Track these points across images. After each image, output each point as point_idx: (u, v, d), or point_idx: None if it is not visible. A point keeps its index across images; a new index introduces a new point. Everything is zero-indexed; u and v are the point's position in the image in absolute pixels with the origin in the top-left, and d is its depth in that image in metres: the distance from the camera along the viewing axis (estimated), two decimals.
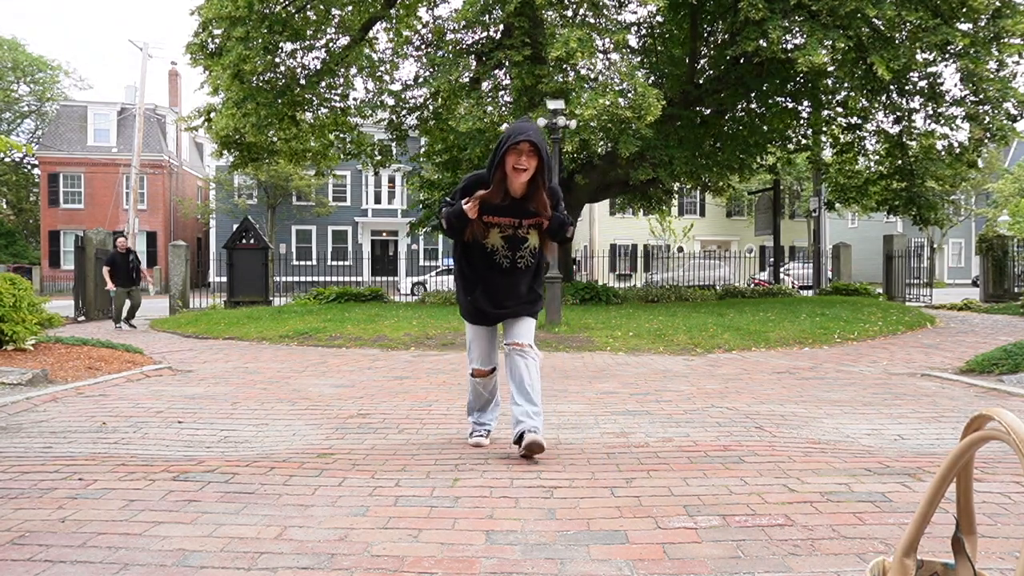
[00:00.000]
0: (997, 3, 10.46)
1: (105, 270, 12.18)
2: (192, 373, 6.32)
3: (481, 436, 3.48)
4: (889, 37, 11.08)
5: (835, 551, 2.06)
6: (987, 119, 11.46)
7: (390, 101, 14.21)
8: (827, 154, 16.31)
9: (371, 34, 14.33)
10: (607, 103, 10.07)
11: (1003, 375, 5.52)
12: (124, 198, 32.40)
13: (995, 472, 2.85)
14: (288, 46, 13.15)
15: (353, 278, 21.97)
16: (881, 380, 5.73)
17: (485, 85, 12.78)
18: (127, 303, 12.17)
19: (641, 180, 13.12)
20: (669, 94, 12.99)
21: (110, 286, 12.16)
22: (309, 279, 25.20)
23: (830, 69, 12.32)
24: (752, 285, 17.35)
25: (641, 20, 15.65)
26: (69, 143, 33.42)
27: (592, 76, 12.11)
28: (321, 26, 13.44)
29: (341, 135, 15.27)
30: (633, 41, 15.01)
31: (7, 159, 37.41)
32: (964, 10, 10.76)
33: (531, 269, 3.30)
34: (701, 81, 13.92)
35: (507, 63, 11.44)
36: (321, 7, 13.22)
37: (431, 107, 13.97)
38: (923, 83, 12.78)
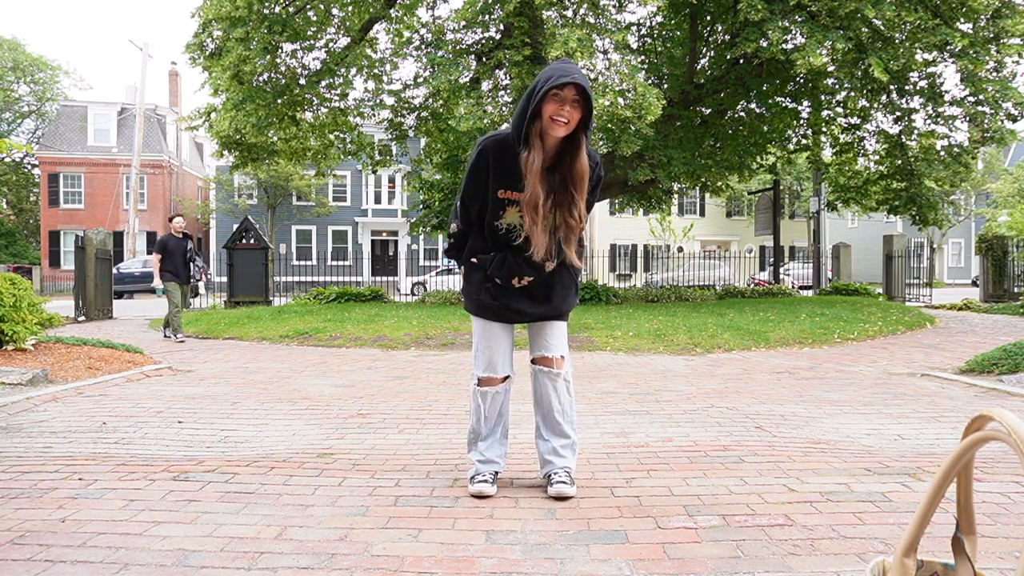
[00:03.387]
0: (997, 3, 10.45)
1: (156, 258, 9.42)
2: (192, 373, 6.32)
3: (485, 481, 2.59)
4: (888, 37, 11.08)
5: (835, 551, 2.06)
6: (986, 120, 11.46)
7: (390, 101, 14.21)
8: (827, 154, 16.32)
9: (371, 34, 14.33)
10: (607, 103, 10.07)
11: (1003, 375, 5.52)
12: (124, 198, 32.44)
13: (995, 472, 2.85)
14: (288, 46, 13.15)
15: (353, 278, 21.98)
16: (881, 380, 5.73)
17: (485, 85, 12.78)
18: (179, 306, 9.45)
19: (640, 180, 13.12)
20: (669, 94, 12.98)
21: (157, 281, 9.48)
22: (309, 279, 25.23)
23: (830, 69, 12.32)
24: (752, 285, 17.36)
25: (641, 20, 15.65)
26: (69, 143, 33.44)
27: (592, 76, 12.10)
28: (321, 26, 13.45)
29: (341, 135, 15.29)
30: (633, 41, 15.01)
31: (7, 159, 37.41)
32: (964, 10, 10.75)
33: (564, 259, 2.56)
34: (701, 81, 13.92)
35: (507, 63, 11.42)
36: (321, 7, 13.22)
37: (431, 107, 13.97)
38: (923, 83, 12.78)
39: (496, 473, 2.67)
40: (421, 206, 17.42)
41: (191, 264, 9.57)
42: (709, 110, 14.30)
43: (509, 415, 2.75)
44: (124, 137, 33.61)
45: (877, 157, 14.91)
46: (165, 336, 9.50)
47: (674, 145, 12.99)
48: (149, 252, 33.21)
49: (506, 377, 2.64)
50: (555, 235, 2.47)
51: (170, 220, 9.84)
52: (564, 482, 2.56)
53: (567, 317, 2.69)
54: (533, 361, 2.65)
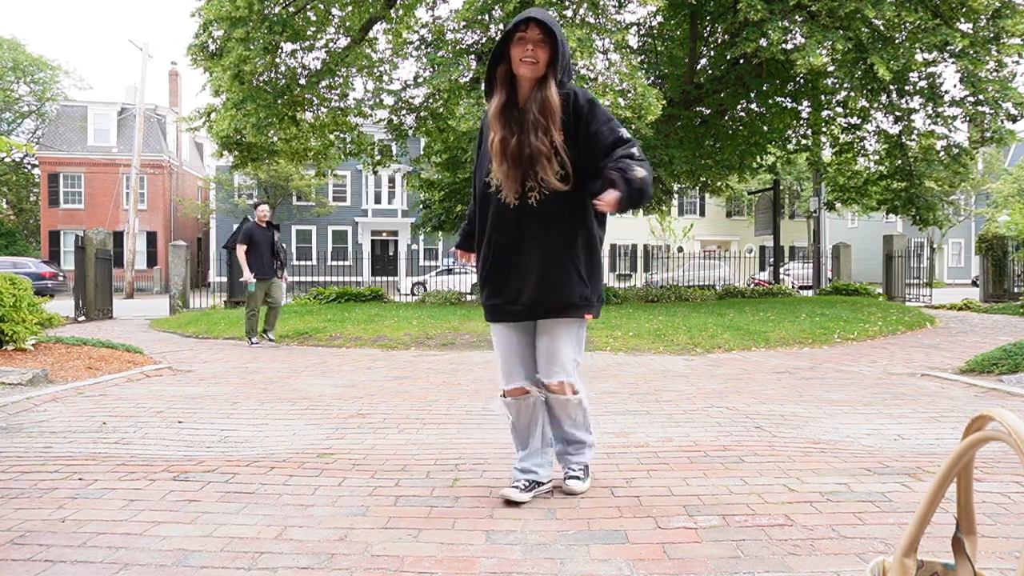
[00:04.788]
0: (997, 3, 10.46)
1: (240, 250, 8.37)
2: (192, 373, 6.32)
3: (515, 487, 2.47)
4: (888, 37, 11.09)
5: (835, 551, 2.06)
6: (986, 120, 11.47)
7: (390, 101, 14.22)
8: (827, 154, 16.33)
9: (371, 34, 14.34)
10: (607, 103, 10.07)
11: (1003, 375, 5.52)
12: (124, 198, 32.41)
13: (995, 472, 2.85)
14: (288, 46, 13.17)
15: (353, 278, 21.96)
16: (881, 380, 5.72)
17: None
18: (264, 305, 8.63)
19: None
20: (669, 94, 12.99)
21: (248, 276, 8.32)
22: (309, 279, 25.21)
23: (830, 69, 12.34)
24: (752, 285, 17.36)
25: (641, 20, 15.66)
26: (69, 143, 33.43)
27: (592, 76, 12.10)
28: (321, 26, 13.46)
29: (341, 135, 15.30)
30: (633, 41, 15.01)
31: (7, 159, 37.41)
32: (964, 10, 10.76)
33: (559, 219, 2.36)
34: (701, 81, 13.92)
35: None
36: (321, 7, 13.23)
37: (431, 107, 13.97)
38: (923, 83, 12.79)
39: (531, 483, 2.51)
40: (421, 206, 17.41)
41: (278, 259, 8.69)
42: (709, 110, 14.31)
43: (547, 424, 2.60)
44: (124, 137, 33.59)
45: (877, 157, 14.92)
46: (253, 343, 8.52)
47: (674, 145, 13.00)
48: (150, 251, 33.19)
49: (525, 389, 2.50)
50: (530, 170, 2.31)
51: (255, 207, 8.83)
52: (577, 477, 2.61)
53: (576, 314, 2.41)
54: (539, 381, 2.53)
